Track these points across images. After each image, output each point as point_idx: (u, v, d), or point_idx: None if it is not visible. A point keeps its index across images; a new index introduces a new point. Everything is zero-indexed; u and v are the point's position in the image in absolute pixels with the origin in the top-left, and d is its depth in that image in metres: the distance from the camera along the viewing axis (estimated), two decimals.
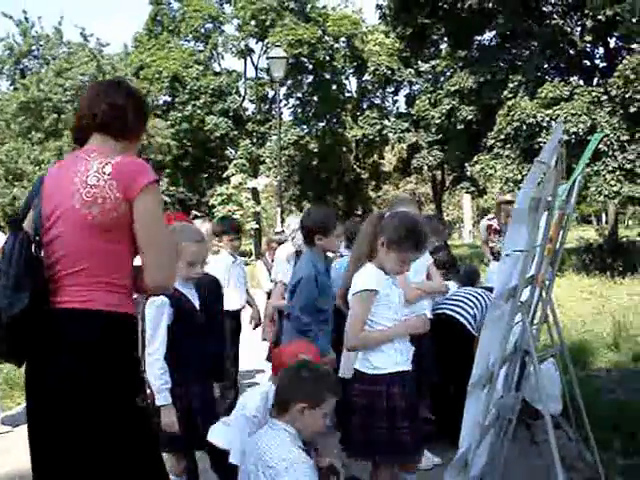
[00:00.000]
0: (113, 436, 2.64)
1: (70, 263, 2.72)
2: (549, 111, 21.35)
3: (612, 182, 20.70)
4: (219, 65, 42.49)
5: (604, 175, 20.77)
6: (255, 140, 40.56)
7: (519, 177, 21.79)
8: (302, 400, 3.22)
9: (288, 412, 3.24)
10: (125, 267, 2.77)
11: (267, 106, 41.53)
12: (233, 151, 41.00)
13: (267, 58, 29.32)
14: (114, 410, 2.64)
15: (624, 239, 25.43)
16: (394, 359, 3.83)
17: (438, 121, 27.82)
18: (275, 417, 3.30)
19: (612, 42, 23.81)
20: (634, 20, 18.47)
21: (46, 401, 2.67)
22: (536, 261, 4.04)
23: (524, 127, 21.86)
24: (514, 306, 3.56)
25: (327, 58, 38.88)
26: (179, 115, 38.34)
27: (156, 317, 3.78)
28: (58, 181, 2.79)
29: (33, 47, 34.17)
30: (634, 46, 20.73)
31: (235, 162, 38.96)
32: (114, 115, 2.86)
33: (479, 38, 26.85)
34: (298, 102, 41.37)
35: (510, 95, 22.73)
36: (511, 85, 22.85)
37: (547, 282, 4.56)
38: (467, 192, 36.63)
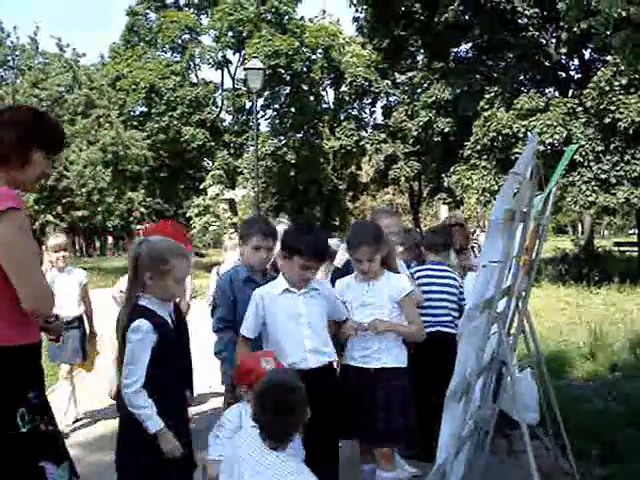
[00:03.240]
0: None
1: None
2: (525, 122, 21.53)
3: (587, 192, 20.90)
4: (196, 76, 42.39)
5: (579, 185, 20.96)
6: (232, 151, 40.47)
7: (495, 187, 21.94)
8: (296, 430, 3.25)
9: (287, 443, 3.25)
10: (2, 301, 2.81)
11: (244, 117, 41.46)
12: (210, 162, 40.88)
13: (244, 69, 29.34)
14: None
15: (600, 249, 25.69)
16: (349, 353, 4.44)
17: (415, 133, 27.93)
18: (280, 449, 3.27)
19: (587, 54, 24.09)
20: (608, 32, 18.64)
21: None
22: (512, 272, 4.05)
23: (500, 138, 22.02)
24: (490, 317, 3.56)
25: (304, 69, 38.86)
26: (156, 126, 38.17)
27: (139, 346, 3.49)
28: None
29: (8, 57, 33.98)
30: (608, 58, 20.95)
31: (212, 173, 38.81)
32: None
33: (455, 50, 27.06)
34: (275, 113, 41.31)
35: (486, 106, 22.89)
36: (487, 96, 23.02)
37: (523, 292, 4.58)
38: (444, 203, 36.77)
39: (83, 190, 27.80)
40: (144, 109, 39.99)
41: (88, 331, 7.06)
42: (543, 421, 5.31)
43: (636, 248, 31.93)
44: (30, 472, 2.87)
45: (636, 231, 37.17)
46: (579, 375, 8.58)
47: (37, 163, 3.05)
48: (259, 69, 23.07)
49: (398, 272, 4.65)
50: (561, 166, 4.65)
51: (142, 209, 35.90)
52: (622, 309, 14.33)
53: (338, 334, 4.45)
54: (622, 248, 34.92)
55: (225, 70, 42.08)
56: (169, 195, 42.29)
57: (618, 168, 20.64)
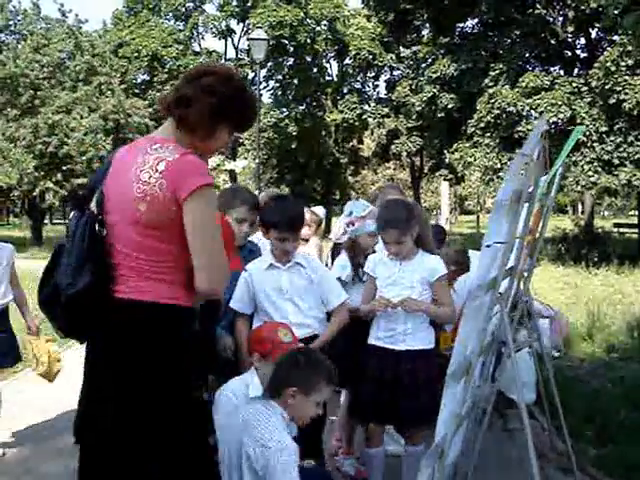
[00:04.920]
0: (156, 424, 2.62)
1: (122, 255, 2.68)
2: (529, 100, 21.45)
3: (590, 173, 20.87)
4: (199, 45, 42.16)
5: (582, 165, 20.92)
6: None
7: (498, 165, 21.91)
8: (294, 385, 3.21)
9: (281, 395, 3.22)
10: (179, 266, 2.66)
11: None
12: None
13: (248, 39, 29.14)
14: (159, 398, 2.62)
15: (600, 230, 25.67)
16: (374, 333, 4.30)
17: (418, 108, 27.79)
18: (270, 399, 3.27)
19: (594, 33, 23.94)
20: (616, 12, 18.53)
21: (97, 381, 2.72)
22: (515, 252, 4.04)
23: (504, 116, 21.94)
24: (493, 297, 3.56)
25: (308, 41, 38.61)
26: (158, 95, 37.98)
27: None
28: (122, 166, 2.72)
29: (10, 22, 33.60)
30: (615, 38, 20.82)
31: None
32: (179, 104, 2.80)
33: (461, 25, 26.90)
34: (278, 84, 41.10)
35: (491, 83, 22.79)
36: (492, 73, 22.91)
37: (525, 273, 4.57)
38: (445, 179, 36.70)
39: (83, 157, 27.59)
40: (146, 77, 39.78)
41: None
42: (539, 401, 5.33)
43: (636, 230, 31.99)
44: (203, 445, 2.76)
45: (636, 212, 37.17)
46: (576, 356, 8.61)
47: (220, 138, 2.87)
48: (263, 39, 22.92)
49: (433, 252, 4.46)
50: (567, 147, 4.61)
51: None
52: (620, 290, 14.37)
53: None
54: (622, 229, 34.91)
55: (229, 40, 41.84)
56: None
57: (621, 149, 20.60)
